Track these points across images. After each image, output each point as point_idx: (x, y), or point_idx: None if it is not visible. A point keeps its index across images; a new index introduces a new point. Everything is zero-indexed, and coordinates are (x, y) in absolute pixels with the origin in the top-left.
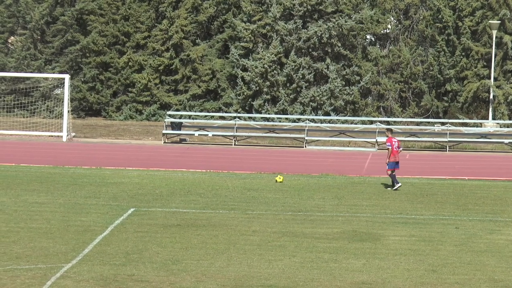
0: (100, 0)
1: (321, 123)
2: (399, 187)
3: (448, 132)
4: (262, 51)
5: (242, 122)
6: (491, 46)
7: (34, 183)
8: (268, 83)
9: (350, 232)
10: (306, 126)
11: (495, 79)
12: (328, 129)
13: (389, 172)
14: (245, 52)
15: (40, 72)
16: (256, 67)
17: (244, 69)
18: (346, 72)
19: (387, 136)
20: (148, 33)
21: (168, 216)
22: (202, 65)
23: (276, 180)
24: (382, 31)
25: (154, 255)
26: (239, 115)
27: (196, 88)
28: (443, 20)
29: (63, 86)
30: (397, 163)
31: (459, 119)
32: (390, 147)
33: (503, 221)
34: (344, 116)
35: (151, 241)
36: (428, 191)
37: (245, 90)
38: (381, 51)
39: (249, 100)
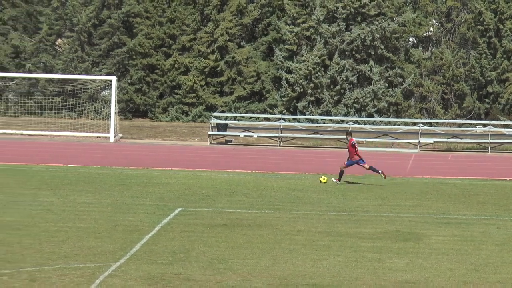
0: (146, 3)
1: (365, 124)
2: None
3: (489, 134)
4: (306, 54)
5: (287, 123)
6: None
7: (82, 183)
8: (312, 85)
9: (393, 232)
10: (349, 127)
11: None
12: (371, 130)
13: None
14: (290, 55)
15: (88, 74)
16: (300, 69)
17: (289, 71)
18: (389, 74)
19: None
20: (194, 36)
21: (214, 216)
22: (247, 67)
23: (320, 181)
24: (424, 34)
25: (201, 254)
26: (283, 116)
27: (241, 90)
28: (485, 23)
29: (110, 88)
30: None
31: (501, 120)
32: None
33: None
34: (387, 117)
35: (198, 241)
36: (470, 192)
37: (289, 92)
38: (423, 54)
39: (294, 101)
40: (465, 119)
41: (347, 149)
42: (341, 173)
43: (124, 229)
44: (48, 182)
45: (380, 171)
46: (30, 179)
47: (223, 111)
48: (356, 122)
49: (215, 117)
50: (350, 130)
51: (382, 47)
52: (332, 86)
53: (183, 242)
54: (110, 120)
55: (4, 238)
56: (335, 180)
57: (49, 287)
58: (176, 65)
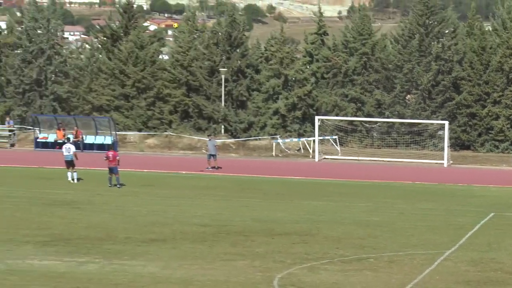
0: (468, 70)
1: None
2: None
3: None
4: None
5: None
6: None
7: (422, 195)
8: None
9: None
10: None
11: None
12: None
13: None
14: None
15: (428, 119)
16: None
17: None
18: None
19: None
20: (502, 93)
21: None
22: None
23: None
24: None
25: (509, 246)
26: None
27: None
28: None
29: (444, 129)
30: None
31: None
32: None
33: None
34: None
35: (507, 236)
36: None
37: None
38: None
39: None
40: None
41: None
42: None
43: (454, 227)
44: (401, 194)
45: None
46: (390, 192)
47: None
48: None
49: None
50: None
51: None
52: None
53: (496, 237)
54: (443, 151)
55: (372, 232)
56: None
57: (402, 267)
58: (489, 113)
